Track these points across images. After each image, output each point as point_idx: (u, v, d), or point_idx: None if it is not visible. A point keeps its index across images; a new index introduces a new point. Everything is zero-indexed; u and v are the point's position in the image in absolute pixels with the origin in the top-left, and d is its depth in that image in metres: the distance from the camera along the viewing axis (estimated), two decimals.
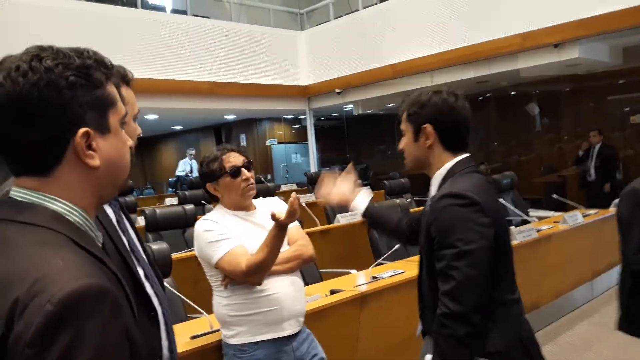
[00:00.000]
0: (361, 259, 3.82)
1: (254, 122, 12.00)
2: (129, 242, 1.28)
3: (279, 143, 12.27)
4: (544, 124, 9.61)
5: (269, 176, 11.44)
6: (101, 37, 6.74)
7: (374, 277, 2.96)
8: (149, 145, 14.30)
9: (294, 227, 2.06)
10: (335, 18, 9.51)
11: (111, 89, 0.82)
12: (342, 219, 5.09)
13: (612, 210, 5.00)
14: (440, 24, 7.51)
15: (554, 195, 5.28)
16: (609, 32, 6.05)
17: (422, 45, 7.73)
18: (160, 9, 9.50)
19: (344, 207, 1.93)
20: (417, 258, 3.46)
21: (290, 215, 1.77)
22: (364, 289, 2.77)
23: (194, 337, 2.14)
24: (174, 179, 11.47)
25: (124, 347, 0.69)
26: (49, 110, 0.74)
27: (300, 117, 11.62)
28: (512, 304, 1.48)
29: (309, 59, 9.68)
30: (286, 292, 1.95)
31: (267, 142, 12.08)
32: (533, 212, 5.23)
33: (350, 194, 1.87)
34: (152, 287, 1.25)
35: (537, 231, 4.01)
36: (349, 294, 2.68)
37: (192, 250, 2.10)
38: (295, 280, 2.03)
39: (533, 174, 9.26)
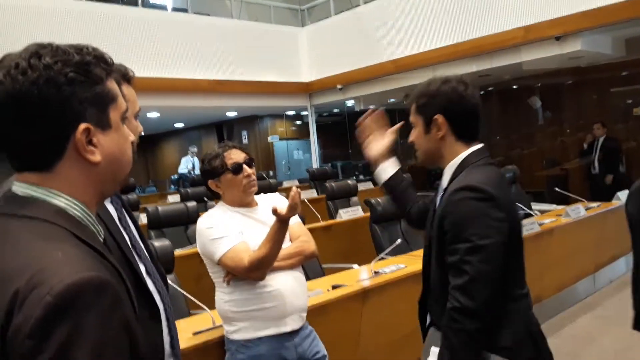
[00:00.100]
0: (363, 254, 3.82)
1: (256, 119, 12.01)
2: (130, 238, 1.29)
3: (280, 139, 12.27)
4: (546, 117, 9.59)
5: (270, 173, 11.44)
6: (102, 36, 6.74)
7: (376, 272, 2.96)
8: (151, 143, 14.33)
9: (295, 224, 2.07)
10: (336, 14, 9.49)
11: (111, 84, 0.83)
12: (344, 215, 5.09)
13: (614, 203, 5.00)
14: (442, 18, 7.49)
15: (556, 189, 5.27)
16: (612, 23, 6.01)
17: (423, 40, 7.70)
18: (161, 7, 9.49)
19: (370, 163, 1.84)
20: (419, 252, 3.46)
21: (291, 210, 1.78)
22: (366, 283, 2.77)
23: (196, 333, 2.15)
24: (176, 176, 11.50)
25: (124, 341, 0.69)
26: (49, 107, 0.75)
27: (301, 113, 11.62)
28: (521, 298, 1.46)
29: (310, 55, 9.67)
30: (288, 288, 1.96)
31: (269, 139, 12.09)
32: (535, 206, 5.22)
33: (386, 155, 1.79)
34: (154, 283, 1.26)
35: (540, 225, 4.01)
36: (351, 289, 2.69)
37: (195, 246, 2.11)
38: (298, 275, 2.04)
39: (535, 167, 9.24)
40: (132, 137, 0.89)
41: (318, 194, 7.22)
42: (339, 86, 9.19)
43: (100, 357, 0.65)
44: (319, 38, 9.57)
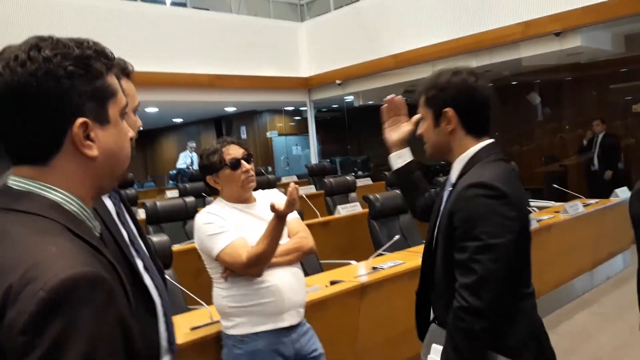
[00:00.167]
0: (361, 250, 3.82)
1: (255, 114, 11.99)
2: (128, 234, 1.29)
3: (279, 135, 12.26)
4: (546, 113, 9.58)
5: (269, 168, 11.43)
6: (101, 30, 6.70)
7: (374, 268, 2.96)
8: (149, 138, 14.31)
9: (294, 220, 2.06)
10: (335, 9, 9.46)
11: (111, 79, 0.82)
12: (342, 211, 5.09)
13: (612, 199, 5.00)
14: (442, 13, 7.47)
15: (555, 185, 5.28)
16: (611, 19, 6.00)
17: (423, 35, 7.69)
18: (160, 1, 9.46)
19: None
20: (417, 249, 3.46)
21: (289, 205, 1.78)
22: (364, 279, 2.77)
23: (194, 328, 2.15)
24: (174, 171, 11.49)
25: (118, 336, 0.69)
26: (47, 100, 0.74)
27: (300, 108, 11.60)
28: (527, 298, 1.44)
29: (309, 50, 9.65)
30: (286, 283, 1.96)
31: (268, 134, 12.07)
32: (534, 202, 5.23)
33: (402, 143, 1.75)
34: (152, 278, 1.26)
35: (538, 221, 4.01)
36: (349, 284, 2.69)
37: (193, 242, 2.11)
38: (296, 271, 2.04)
39: (534, 163, 9.24)
40: (131, 133, 0.88)
41: (317, 189, 7.22)
42: (338, 81, 9.18)
43: (94, 353, 0.64)
44: (318, 33, 9.55)
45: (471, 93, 1.46)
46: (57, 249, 0.68)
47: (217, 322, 2.11)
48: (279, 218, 1.81)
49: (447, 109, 1.45)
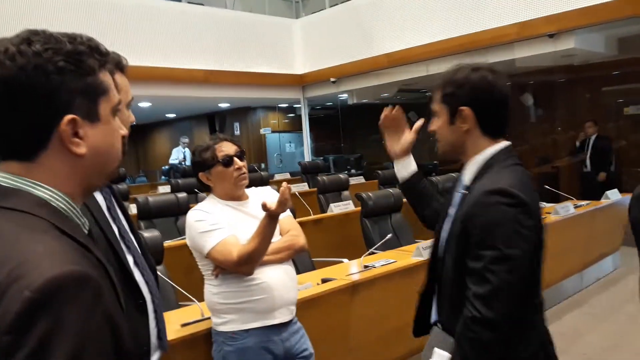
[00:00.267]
0: (353, 248, 3.83)
1: (248, 111, 11.96)
2: (119, 229, 1.28)
3: (273, 132, 12.24)
4: (538, 114, 9.62)
5: (262, 165, 11.42)
6: (95, 23, 6.66)
7: (366, 266, 2.97)
8: (142, 133, 14.23)
9: (286, 217, 2.06)
10: (330, 6, 9.44)
11: (104, 76, 0.81)
12: (335, 209, 5.09)
13: (603, 201, 5.04)
14: (437, 12, 7.48)
15: (546, 186, 5.30)
16: (605, 22, 6.04)
17: (417, 35, 7.69)
18: None
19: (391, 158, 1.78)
20: (408, 248, 3.46)
21: (281, 205, 1.77)
22: (355, 277, 2.77)
23: (184, 325, 2.14)
24: (167, 167, 11.43)
25: (106, 335, 0.68)
26: (36, 95, 0.73)
27: (294, 106, 11.58)
28: (537, 308, 1.40)
29: (304, 47, 9.63)
30: (277, 281, 1.95)
31: (261, 131, 12.04)
32: None
33: (405, 153, 1.72)
34: (142, 274, 1.25)
35: None
36: (341, 282, 2.69)
37: (184, 238, 2.10)
38: (287, 269, 2.03)
39: (526, 164, 9.16)
40: (123, 131, 0.87)
41: (310, 187, 7.21)
42: (332, 79, 9.17)
43: (81, 352, 0.63)
44: (313, 30, 9.53)
45: (490, 91, 1.39)
46: (44, 247, 0.67)
47: (208, 318, 2.10)
48: (271, 217, 1.80)
49: (463, 107, 1.39)
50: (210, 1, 9.34)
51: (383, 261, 3.06)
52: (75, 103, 0.76)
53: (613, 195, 5.13)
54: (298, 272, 2.54)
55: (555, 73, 8.48)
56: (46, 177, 0.77)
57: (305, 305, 2.31)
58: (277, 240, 1.99)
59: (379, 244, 3.27)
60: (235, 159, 2.01)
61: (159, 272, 1.90)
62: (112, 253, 1.14)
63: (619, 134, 8.37)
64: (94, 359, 0.65)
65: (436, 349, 1.43)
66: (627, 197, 5.48)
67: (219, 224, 1.91)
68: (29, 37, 0.75)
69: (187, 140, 11.23)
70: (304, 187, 7.00)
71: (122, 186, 6.01)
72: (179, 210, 4.36)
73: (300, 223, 2.24)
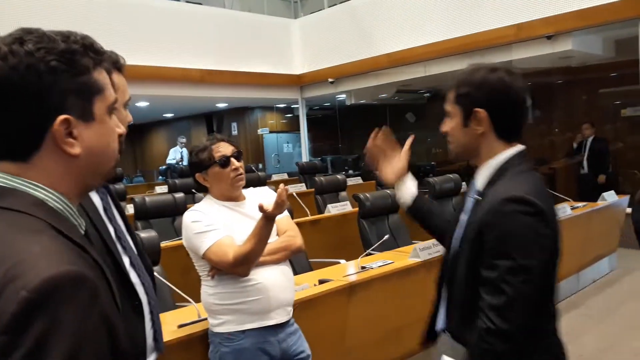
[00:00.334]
0: (350, 249, 3.82)
1: (246, 111, 11.95)
2: (115, 230, 1.27)
3: (270, 132, 12.23)
4: (536, 116, 9.64)
5: (260, 165, 11.41)
6: (92, 22, 6.65)
7: (363, 267, 2.96)
8: (139, 132, 14.21)
9: (283, 218, 2.05)
10: (329, 6, 9.45)
11: (99, 75, 0.80)
12: (332, 209, 5.09)
13: (600, 203, 5.05)
14: (435, 13, 7.49)
15: None
16: (603, 24, 6.06)
17: (416, 35, 7.70)
18: None
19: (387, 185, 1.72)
20: (406, 249, 3.46)
21: (278, 207, 1.76)
22: (352, 279, 2.77)
23: (181, 326, 2.14)
24: (164, 167, 11.41)
25: (102, 335, 0.68)
26: (28, 95, 0.73)
27: (292, 106, 11.58)
28: (552, 319, 1.36)
29: (302, 47, 9.63)
30: (273, 282, 1.95)
31: (259, 131, 12.04)
32: None
33: (402, 176, 1.66)
34: (139, 275, 1.24)
35: None
36: (338, 283, 2.69)
37: (182, 238, 2.09)
38: (284, 269, 2.03)
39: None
40: (120, 130, 0.86)
41: (307, 187, 7.21)
42: (330, 79, 9.17)
43: (78, 352, 0.63)
44: (311, 30, 9.53)
45: (507, 93, 1.34)
46: (40, 247, 0.67)
47: (205, 319, 2.10)
48: (267, 219, 1.80)
49: (479, 109, 1.34)
50: (209, 0, 9.34)
51: (380, 262, 3.06)
52: (68, 103, 0.75)
53: (610, 197, 5.14)
54: (295, 273, 2.54)
55: (553, 74, 8.50)
56: (41, 177, 0.76)
57: (302, 306, 2.31)
58: (273, 240, 1.99)
59: (376, 245, 3.27)
60: (232, 159, 2.00)
61: (155, 273, 1.89)
62: (108, 254, 1.13)
63: (616, 136, 8.39)
64: (90, 359, 0.65)
65: (444, 357, 1.40)
66: (624, 199, 5.51)
67: (215, 224, 1.91)
68: (22, 37, 0.74)
69: (184, 140, 11.22)
70: (301, 187, 7.00)
71: (120, 186, 6.00)
72: (176, 211, 4.35)
73: (298, 224, 2.24)
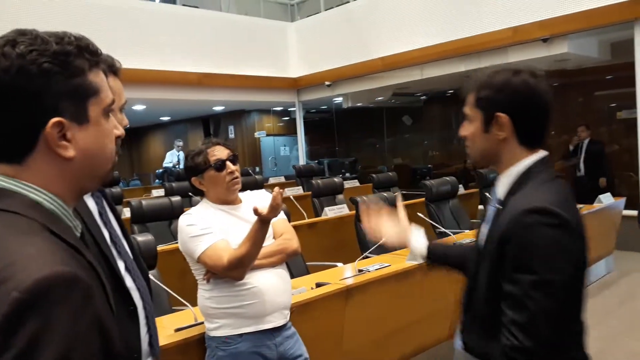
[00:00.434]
0: (348, 252, 3.82)
1: (243, 114, 11.95)
2: (111, 234, 1.26)
3: (267, 135, 12.23)
4: None
5: (257, 169, 11.41)
6: (89, 25, 6.64)
7: (360, 270, 2.96)
8: (136, 136, 14.20)
9: (280, 221, 2.05)
10: (326, 10, 9.47)
11: (94, 77, 0.79)
12: (329, 212, 5.09)
13: (596, 205, 5.06)
14: (431, 16, 7.51)
15: None
16: (598, 27, 6.09)
17: (412, 38, 7.72)
18: None
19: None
20: (403, 252, 3.46)
21: (273, 210, 1.76)
22: (349, 282, 2.77)
23: (178, 330, 2.13)
24: (161, 170, 11.39)
25: (95, 337, 0.67)
26: (20, 98, 0.72)
27: (289, 109, 11.59)
28: (579, 334, 1.31)
29: (299, 50, 9.64)
30: (269, 285, 1.94)
31: (256, 134, 12.04)
32: None
33: (407, 233, 1.62)
34: (134, 280, 1.24)
35: None
36: (335, 287, 2.68)
37: (178, 242, 2.09)
38: (280, 272, 2.02)
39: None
40: (118, 132, 0.85)
41: (304, 190, 7.21)
42: (327, 83, 9.19)
43: (69, 353, 0.63)
44: (308, 33, 9.55)
45: (531, 99, 1.28)
46: (34, 248, 0.67)
47: (202, 323, 2.09)
48: (262, 222, 1.79)
49: (501, 114, 1.27)
50: (206, 4, 9.35)
51: (377, 265, 3.06)
52: (62, 105, 0.75)
53: (606, 199, 5.15)
54: (292, 276, 2.53)
55: (549, 77, 8.45)
56: (35, 179, 0.76)
57: (299, 310, 2.30)
58: (270, 244, 1.99)
59: (373, 248, 3.26)
60: (228, 163, 2.00)
61: (152, 277, 1.89)
62: (102, 259, 1.13)
63: (612, 139, 8.42)
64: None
65: None
66: (620, 201, 5.52)
67: (210, 228, 1.90)
68: (15, 39, 0.74)
69: (181, 143, 11.21)
70: (298, 190, 6.99)
71: (116, 189, 5.98)
72: (172, 214, 4.34)
73: (295, 227, 2.23)
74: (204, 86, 8.43)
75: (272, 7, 10.23)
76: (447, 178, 5.19)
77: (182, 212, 2.58)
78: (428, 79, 8.11)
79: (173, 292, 2.45)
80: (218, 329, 1.94)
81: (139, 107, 9.44)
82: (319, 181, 5.95)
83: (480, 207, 5.90)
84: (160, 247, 3.25)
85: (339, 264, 3.38)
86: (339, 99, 10.30)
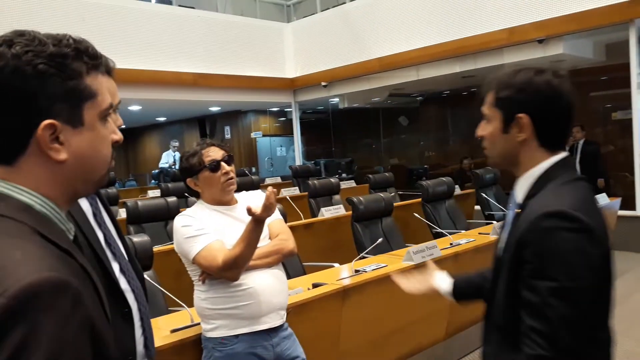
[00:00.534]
0: (344, 253, 3.82)
1: (239, 114, 11.94)
2: (105, 235, 1.25)
3: (264, 136, 12.22)
4: None
5: (253, 169, 11.39)
6: (85, 25, 6.63)
7: (357, 271, 2.96)
8: (132, 136, 14.15)
9: (276, 221, 2.05)
10: (322, 10, 9.47)
11: (92, 80, 0.78)
12: (326, 213, 5.09)
13: None
14: (427, 17, 7.53)
15: None
16: (593, 28, 6.12)
17: (408, 39, 7.74)
18: None
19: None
20: (399, 252, 3.46)
21: (266, 210, 1.75)
22: (346, 282, 2.76)
23: (174, 331, 2.12)
24: (157, 170, 11.36)
25: (84, 344, 0.66)
26: (13, 98, 0.71)
27: (285, 110, 11.58)
28: (605, 344, 1.27)
29: (295, 51, 9.64)
30: (265, 286, 1.93)
31: (252, 135, 12.03)
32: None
33: (434, 281, 1.63)
34: (129, 282, 1.23)
35: None
36: (332, 287, 2.68)
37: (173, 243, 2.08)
38: (277, 273, 2.02)
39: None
40: (116, 137, 0.84)
41: (300, 191, 7.20)
42: (323, 83, 9.19)
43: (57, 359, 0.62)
44: (304, 34, 9.55)
45: (554, 99, 1.23)
46: (22, 253, 0.66)
47: (198, 324, 2.08)
48: (256, 222, 1.78)
49: (521, 115, 1.22)
50: (202, 4, 9.34)
51: (374, 265, 3.06)
52: (55, 107, 0.74)
53: (601, 199, 5.17)
54: (289, 277, 2.53)
55: None
56: (27, 182, 0.75)
57: (296, 310, 2.30)
58: (265, 244, 1.98)
59: (369, 248, 3.26)
60: (223, 163, 1.99)
61: (148, 278, 1.88)
62: (96, 262, 1.12)
63: (607, 139, 8.45)
64: None
65: None
66: (616, 202, 5.54)
67: (205, 229, 1.89)
68: (12, 39, 0.73)
69: (177, 144, 11.19)
70: (294, 191, 6.98)
71: (112, 190, 5.96)
72: (168, 215, 4.33)
73: (291, 227, 2.23)
74: (200, 86, 8.42)
75: (268, 8, 10.22)
76: (444, 178, 5.20)
77: (178, 212, 2.57)
78: (424, 80, 8.12)
79: (169, 293, 2.44)
80: (214, 330, 1.93)
81: (134, 108, 9.42)
82: (315, 182, 5.95)
83: (477, 207, 5.91)
84: (156, 248, 3.24)
85: (336, 265, 3.37)
86: (336, 100, 10.30)
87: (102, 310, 0.73)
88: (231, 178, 2.00)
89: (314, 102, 10.39)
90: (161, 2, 9.30)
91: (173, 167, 10.59)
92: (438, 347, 3.33)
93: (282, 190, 6.53)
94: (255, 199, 2.05)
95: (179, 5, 8.84)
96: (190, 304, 2.12)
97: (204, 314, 1.96)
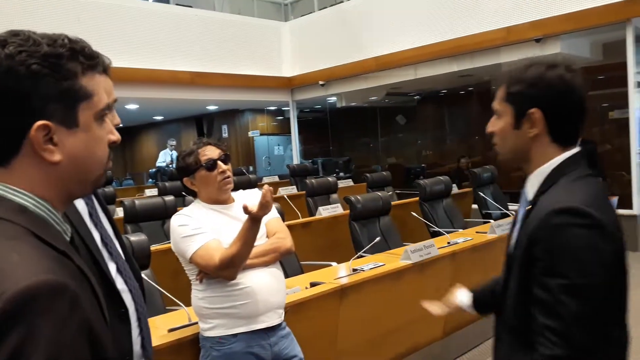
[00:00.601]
0: (342, 252, 3.82)
1: (236, 113, 11.92)
2: (102, 235, 1.25)
3: (261, 134, 12.22)
4: None
5: (251, 168, 11.38)
6: (82, 23, 6.61)
7: (355, 270, 2.96)
8: (129, 135, 14.12)
9: (273, 220, 2.04)
10: (319, 9, 9.46)
11: (88, 81, 0.77)
12: (323, 212, 5.09)
13: None
14: (425, 16, 7.53)
15: None
16: (590, 27, 6.13)
17: (406, 38, 7.74)
18: None
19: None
20: (397, 251, 3.47)
21: (262, 208, 1.74)
22: (344, 281, 2.77)
23: (171, 330, 2.12)
24: (154, 169, 11.34)
25: (82, 346, 0.66)
26: (7, 99, 0.71)
27: (283, 108, 11.57)
28: (619, 342, 1.23)
29: (292, 50, 9.63)
30: (262, 285, 1.93)
31: (250, 134, 12.02)
32: (512, 206, 5.29)
33: (456, 299, 1.63)
34: (126, 282, 1.22)
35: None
36: (329, 286, 2.68)
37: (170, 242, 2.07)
38: (274, 272, 2.01)
39: (513, 168, 9.36)
40: (113, 137, 0.83)
41: (298, 190, 7.20)
42: (321, 82, 9.18)
43: None
44: (302, 33, 9.54)
45: (567, 94, 1.21)
46: (18, 256, 0.65)
47: (195, 323, 2.08)
48: (253, 220, 1.78)
49: (533, 110, 1.20)
50: (199, 3, 9.32)
51: (372, 264, 3.06)
52: (49, 108, 0.73)
53: None
54: (286, 275, 2.53)
55: None
56: (21, 183, 0.74)
57: (293, 309, 2.30)
58: (263, 243, 1.98)
59: (367, 247, 3.27)
60: (219, 162, 1.99)
61: (145, 277, 1.87)
62: (92, 262, 1.11)
63: (604, 138, 8.47)
64: None
65: None
66: (613, 200, 5.55)
67: (202, 228, 1.89)
68: (6, 39, 0.72)
69: (174, 142, 11.17)
70: (292, 190, 6.98)
71: (109, 189, 5.95)
72: (166, 214, 4.32)
73: (289, 226, 2.23)
74: (197, 85, 8.40)
75: (265, 7, 10.21)
76: (441, 177, 5.20)
77: (175, 211, 2.56)
78: (421, 79, 8.13)
79: (167, 292, 2.44)
80: (212, 329, 1.93)
81: (132, 107, 9.40)
82: (313, 180, 5.95)
83: (474, 206, 5.92)
84: (153, 247, 3.24)
85: (333, 264, 3.38)
86: (333, 99, 10.30)
87: (100, 312, 0.73)
88: (228, 177, 1.99)
89: (312, 101, 10.39)
90: (158, 0, 9.28)
91: (170, 166, 10.58)
92: (435, 346, 3.34)
93: (280, 189, 6.52)
94: (252, 197, 2.05)
95: (176, 4, 8.83)
96: (187, 303, 2.12)
97: (201, 313, 1.96)
